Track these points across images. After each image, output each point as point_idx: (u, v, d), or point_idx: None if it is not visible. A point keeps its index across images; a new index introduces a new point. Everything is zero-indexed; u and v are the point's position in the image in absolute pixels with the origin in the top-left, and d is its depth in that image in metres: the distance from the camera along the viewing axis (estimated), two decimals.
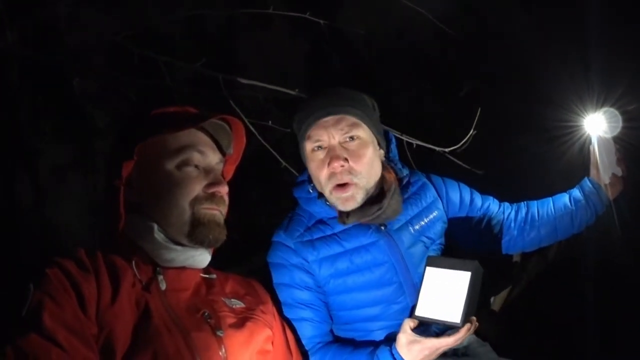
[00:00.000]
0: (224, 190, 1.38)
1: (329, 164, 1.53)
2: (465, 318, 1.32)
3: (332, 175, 1.53)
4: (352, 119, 1.54)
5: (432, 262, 1.43)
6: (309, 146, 1.57)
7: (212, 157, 1.38)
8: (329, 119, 1.54)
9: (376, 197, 1.57)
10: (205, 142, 1.38)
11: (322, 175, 1.55)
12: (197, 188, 1.33)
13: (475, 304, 1.35)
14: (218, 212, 1.36)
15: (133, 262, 1.25)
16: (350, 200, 1.54)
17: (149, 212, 1.31)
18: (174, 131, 1.33)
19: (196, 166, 1.35)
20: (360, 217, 1.56)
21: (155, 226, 1.30)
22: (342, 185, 1.53)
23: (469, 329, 1.33)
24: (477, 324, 1.35)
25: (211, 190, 1.34)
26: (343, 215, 1.57)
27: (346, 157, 1.52)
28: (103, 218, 1.34)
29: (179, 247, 1.31)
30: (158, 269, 1.27)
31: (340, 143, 1.54)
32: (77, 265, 1.16)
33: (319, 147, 1.56)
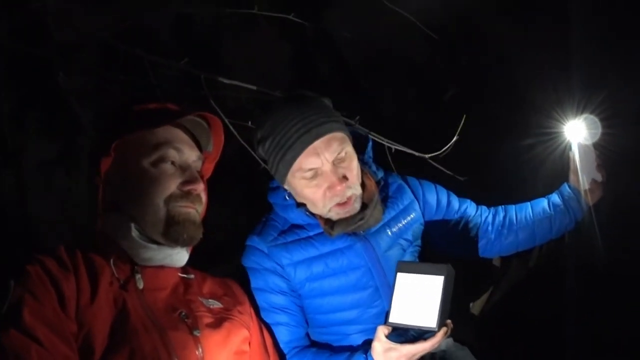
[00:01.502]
0: (200, 187, 1.36)
1: (329, 189, 1.46)
2: (441, 322, 1.30)
3: (333, 196, 1.47)
4: (338, 135, 1.47)
5: (403, 267, 1.40)
6: (299, 175, 1.47)
7: (189, 154, 1.36)
8: (318, 142, 1.43)
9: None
10: (182, 139, 1.37)
11: (318, 198, 1.48)
12: (172, 185, 1.31)
13: (450, 307, 1.34)
14: (194, 210, 1.34)
15: (111, 261, 1.25)
16: (351, 212, 1.51)
17: (126, 210, 1.30)
18: (150, 128, 1.32)
19: (172, 163, 1.33)
20: (345, 227, 1.52)
21: (133, 224, 1.29)
22: (343, 202, 1.49)
23: (445, 333, 1.31)
24: (452, 326, 1.33)
25: (187, 187, 1.32)
26: (327, 227, 1.53)
27: (344, 176, 1.47)
28: (83, 216, 1.34)
29: (155, 246, 1.31)
30: (136, 267, 1.27)
31: (333, 164, 1.46)
32: (57, 263, 1.16)
33: (312, 174, 1.47)
